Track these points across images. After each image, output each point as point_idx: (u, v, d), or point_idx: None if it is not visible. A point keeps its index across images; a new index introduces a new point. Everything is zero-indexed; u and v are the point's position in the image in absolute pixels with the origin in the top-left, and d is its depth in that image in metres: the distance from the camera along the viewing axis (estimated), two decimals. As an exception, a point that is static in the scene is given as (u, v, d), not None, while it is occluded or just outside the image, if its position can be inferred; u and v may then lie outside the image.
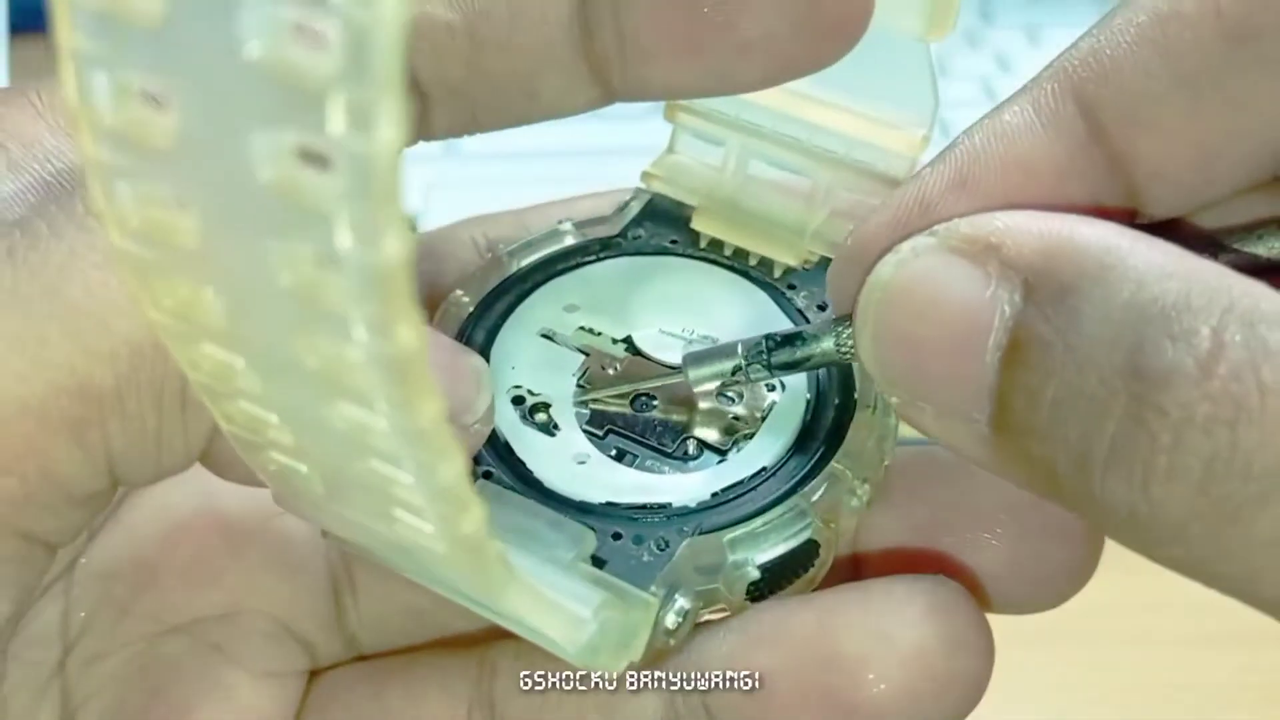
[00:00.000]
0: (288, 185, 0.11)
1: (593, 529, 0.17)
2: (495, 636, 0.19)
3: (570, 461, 0.18)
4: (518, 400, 0.18)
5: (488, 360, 0.19)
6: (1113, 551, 0.44)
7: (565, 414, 0.18)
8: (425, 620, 0.20)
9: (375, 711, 0.19)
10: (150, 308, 0.12)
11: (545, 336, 0.19)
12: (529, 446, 0.18)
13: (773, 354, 0.17)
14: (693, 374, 0.17)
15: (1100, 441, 0.13)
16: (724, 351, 0.17)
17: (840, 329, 0.16)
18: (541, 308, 0.19)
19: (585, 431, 0.18)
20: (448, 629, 0.20)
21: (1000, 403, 0.14)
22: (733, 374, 0.17)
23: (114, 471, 0.15)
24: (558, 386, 0.19)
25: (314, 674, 0.20)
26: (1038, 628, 0.36)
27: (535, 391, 0.18)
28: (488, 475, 0.17)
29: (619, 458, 0.18)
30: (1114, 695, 0.34)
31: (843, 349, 0.16)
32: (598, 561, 0.17)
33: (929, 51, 0.18)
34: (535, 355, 0.19)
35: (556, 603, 0.16)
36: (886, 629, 0.16)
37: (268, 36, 0.10)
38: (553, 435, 0.18)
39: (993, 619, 0.40)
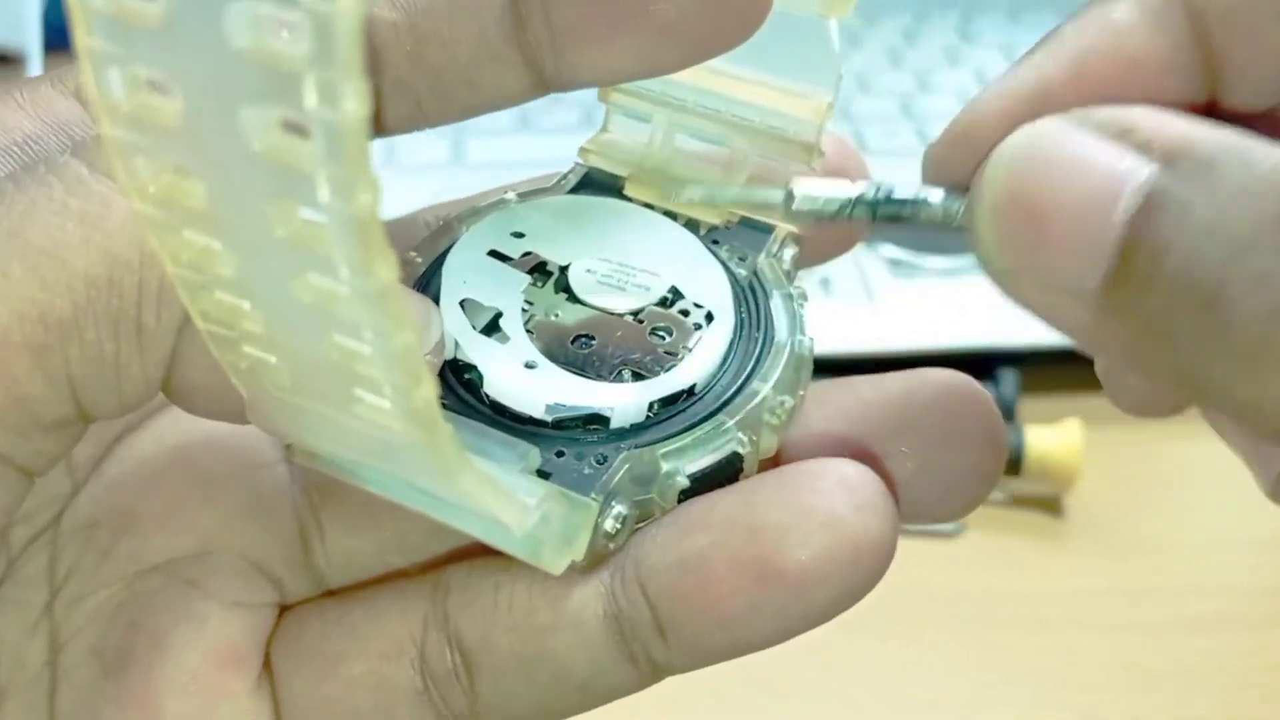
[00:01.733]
0: (276, 151, 0.12)
1: (537, 445, 0.18)
2: (447, 563, 0.20)
3: (520, 366, 0.19)
4: (470, 308, 0.20)
5: (440, 278, 0.20)
6: (1085, 540, 0.46)
7: (514, 325, 0.20)
8: (388, 557, 0.21)
9: (340, 632, 0.20)
10: (136, 197, 0.13)
11: (494, 255, 0.20)
12: (481, 352, 0.19)
13: (881, 204, 0.17)
14: (800, 196, 0.17)
15: (1240, 273, 0.13)
16: (838, 185, 0.17)
17: (949, 196, 0.17)
18: (490, 234, 0.21)
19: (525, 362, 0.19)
20: (413, 565, 0.21)
21: (1124, 258, 0.14)
22: (839, 209, 0.17)
23: (77, 398, 0.16)
24: (507, 301, 0.20)
25: (285, 609, 0.21)
26: (1014, 615, 0.38)
27: (485, 305, 0.20)
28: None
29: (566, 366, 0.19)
30: (1087, 680, 0.35)
31: (949, 214, 0.17)
32: (543, 474, 0.18)
33: (832, 27, 0.20)
34: (484, 272, 0.20)
35: (504, 488, 0.17)
36: (804, 502, 0.17)
37: (251, 30, 0.11)
38: (503, 343, 0.19)
39: (971, 605, 0.41)
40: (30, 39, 0.53)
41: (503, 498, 0.16)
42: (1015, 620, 0.36)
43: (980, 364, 0.40)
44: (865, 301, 0.43)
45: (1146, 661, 0.35)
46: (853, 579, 0.17)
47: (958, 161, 0.17)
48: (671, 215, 0.21)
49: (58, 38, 0.56)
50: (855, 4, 0.19)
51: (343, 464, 0.18)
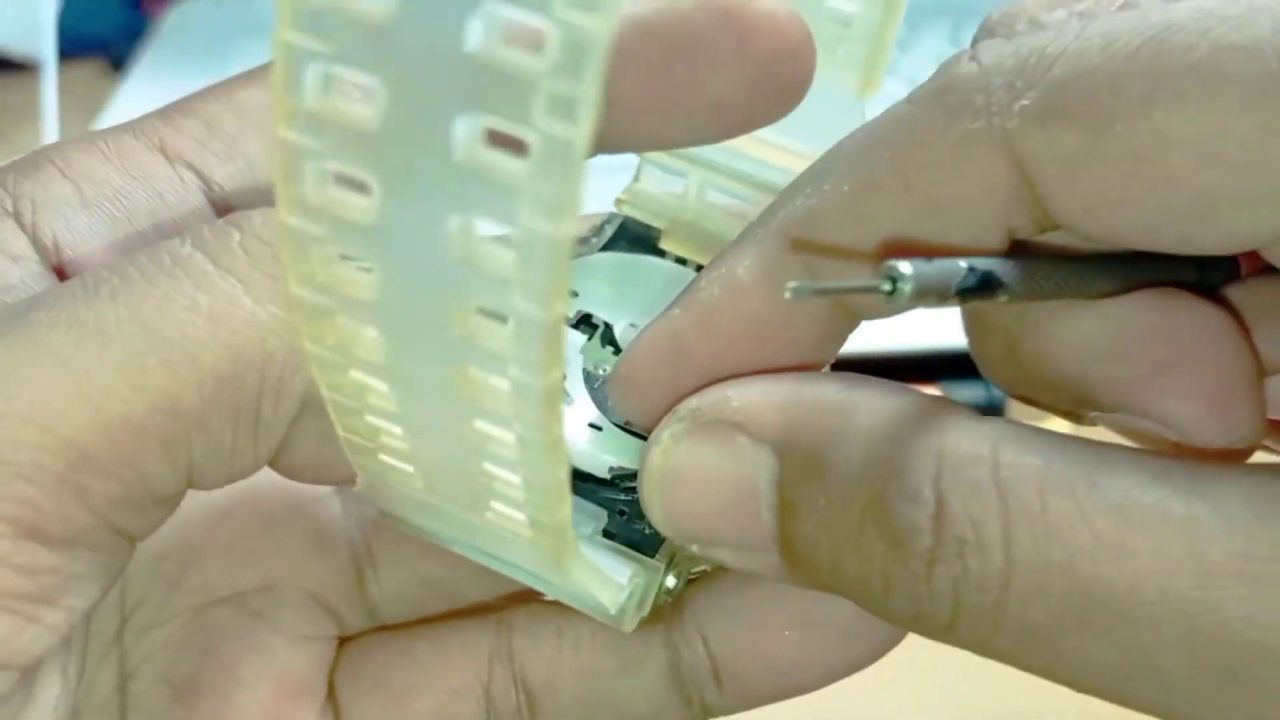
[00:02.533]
0: (470, 254, 0.12)
1: (604, 507, 0.19)
2: (507, 604, 0.22)
3: (585, 427, 0.20)
4: None
5: None
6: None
7: (576, 386, 0.21)
8: (440, 590, 0.22)
9: (407, 666, 0.21)
10: (310, 342, 0.14)
11: None
12: None
13: (974, 290, 0.16)
14: (912, 288, 0.15)
15: (874, 577, 0.16)
16: (944, 275, 0.15)
17: (1020, 272, 0.16)
18: None
19: (590, 427, 0.20)
20: (461, 598, 0.22)
21: (785, 546, 0.16)
22: (946, 296, 0.15)
23: (192, 477, 0.17)
24: (568, 362, 0.21)
25: (343, 641, 0.22)
26: None
27: None
28: None
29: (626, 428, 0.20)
30: None
31: (1018, 293, 0.16)
32: (608, 534, 0.19)
33: (862, 105, 0.21)
34: None
35: (604, 574, 0.18)
36: None
37: (488, 33, 0.11)
38: (569, 404, 0.20)
39: None
40: (45, 47, 0.53)
41: (604, 582, 0.18)
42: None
43: (969, 363, 0.41)
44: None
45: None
46: (891, 630, 0.19)
47: (635, 401, 0.18)
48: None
49: (72, 46, 0.57)
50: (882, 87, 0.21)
51: (437, 535, 0.19)
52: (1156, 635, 0.14)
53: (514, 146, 0.12)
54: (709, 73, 0.18)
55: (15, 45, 0.57)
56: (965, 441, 0.15)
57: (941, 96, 0.16)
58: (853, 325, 0.19)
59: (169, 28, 0.63)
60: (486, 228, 0.12)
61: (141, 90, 0.58)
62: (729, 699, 0.20)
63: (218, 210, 0.20)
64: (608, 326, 0.21)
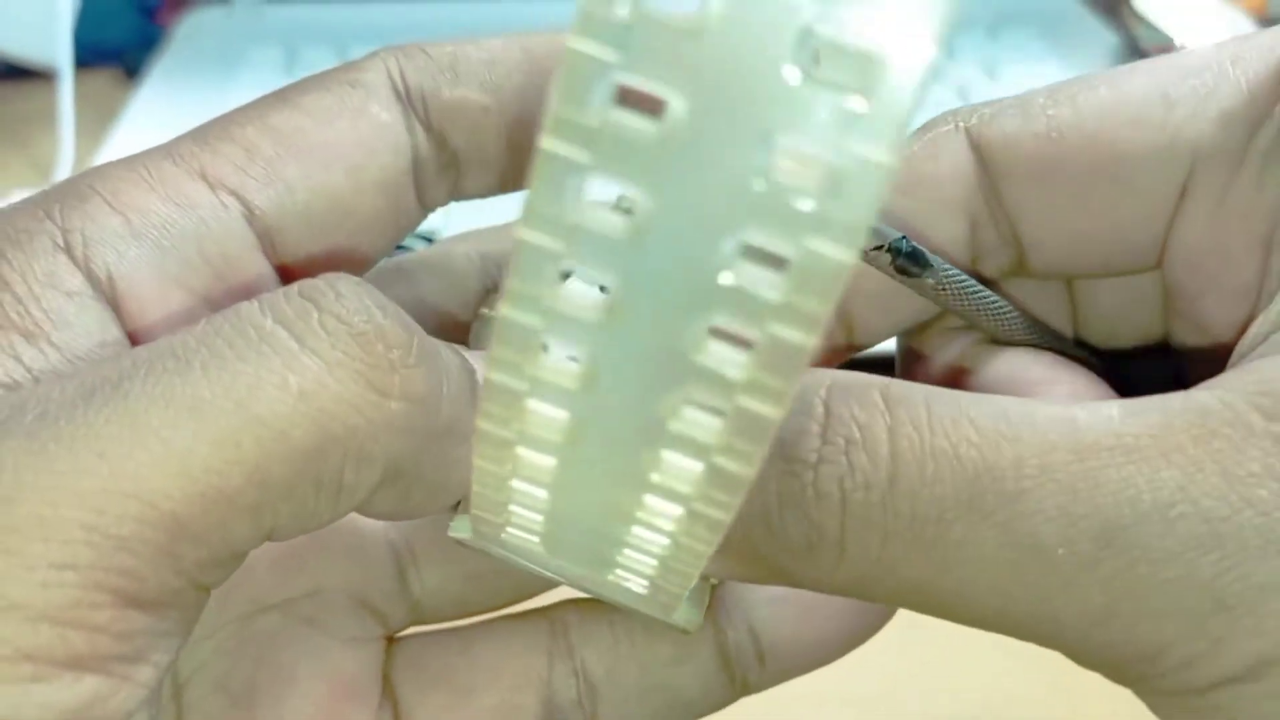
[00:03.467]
0: (704, 356, 0.12)
1: None
2: (556, 604, 0.22)
3: None
4: None
5: None
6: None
7: None
8: (480, 585, 0.23)
9: (468, 664, 0.22)
10: (486, 421, 0.14)
11: None
12: None
13: (902, 256, 0.18)
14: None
15: (770, 498, 0.16)
16: (880, 231, 0.18)
17: (951, 273, 0.18)
18: None
19: None
20: (501, 593, 0.23)
21: None
22: (874, 249, 0.18)
23: (272, 536, 0.17)
24: None
25: (391, 640, 0.23)
26: None
27: None
28: None
29: None
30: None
31: (942, 285, 0.18)
32: None
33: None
34: None
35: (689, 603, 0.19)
36: None
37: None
38: None
39: None
40: (62, 56, 0.54)
41: (689, 612, 0.19)
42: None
43: None
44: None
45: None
46: None
47: None
48: None
49: (88, 55, 0.58)
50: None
51: (525, 559, 0.19)
52: (1039, 508, 0.15)
53: (775, 265, 0.12)
54: None
55: (33, 54, 0.57)
56: (855, 376, 0.16)
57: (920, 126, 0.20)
58: (840, 334, 0.20)
59: (181, 37, 0.63)
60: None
61: (155, 98, 0.58)
62: (769, 676, 0.21)
63: (257, 235, 0.20)
64: None
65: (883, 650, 0.23)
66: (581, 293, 0.13)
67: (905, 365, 0.23)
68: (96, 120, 0.56)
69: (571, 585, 0.19)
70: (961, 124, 0.20)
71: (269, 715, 0.21)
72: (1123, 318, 0.22)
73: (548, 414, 0.14)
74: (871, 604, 0.21)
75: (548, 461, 0.15)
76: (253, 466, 0.16)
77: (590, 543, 0.16)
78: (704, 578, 0.20)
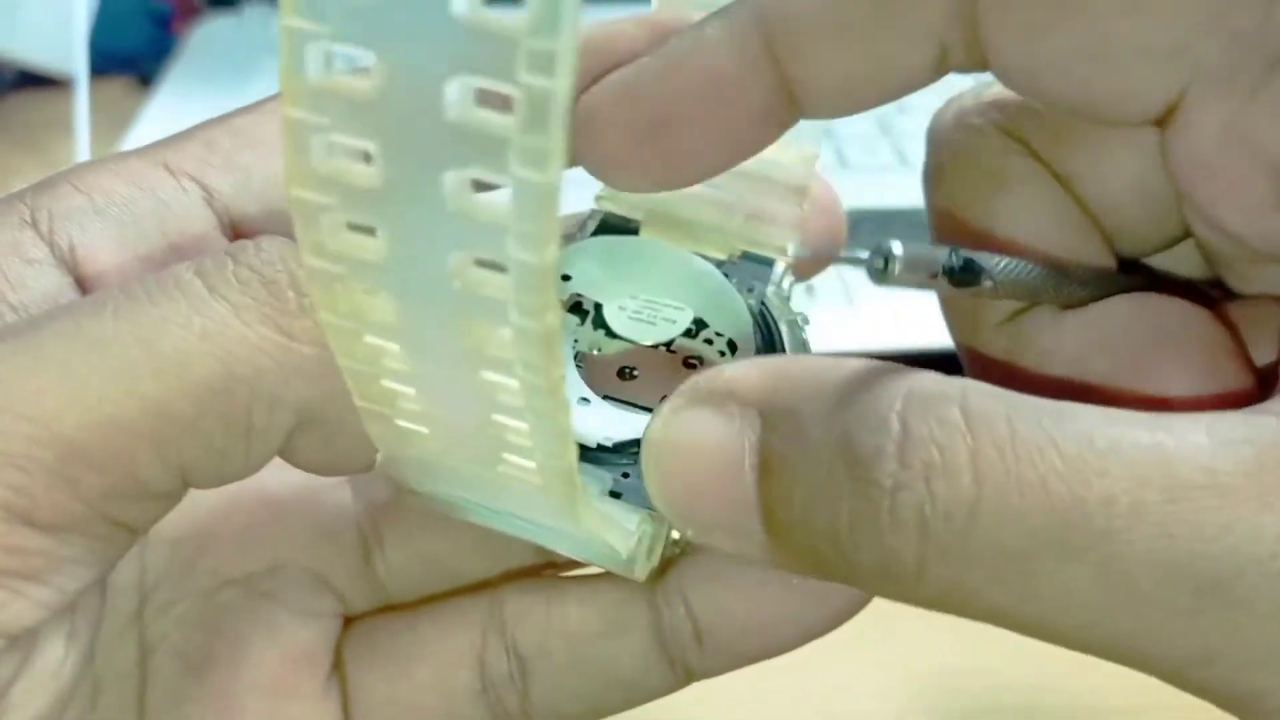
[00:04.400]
0: (469, 203, 0.13)
1: (608, 472, 0.20)
2: (499, 582, 0.23)
3: (576, 402, 0.21)
4: None
5: None
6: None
7: (568, 365, 0.21)
8: (443, 567, 0.23)
9: (410, 640, 0.22)
10: (325, 311, 0.15)
11: None
12: None
13: (958, 273, 0.17)
14: (900, 266, 0.16)
15: (841, 519, 0.15)
16: (930, 255, 0.17)
17: (1002, 265, 0.17)
18: None
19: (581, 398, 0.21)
20: (462, 575, 0.23)
21: (765, 512, 0.16)
22: (930, 276, 0.17)
23: (185, 476, 0.17)
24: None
25: (351, 620, 0.23)
26: None
27: None
28: None
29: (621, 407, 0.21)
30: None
31: (1000, 283, 0.18)
32: (615, 494, 0.20)
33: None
34: None
35: (613, 518, 0.19)
36: None
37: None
38: None
39: None
40: (78, 64, 0.55)
41: (614, 528, 0.19)
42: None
43: (957, 363, 0.42)
44: (845, 305, 0.44)
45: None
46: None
47: (587, 137, 0.19)
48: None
49: (103, 63, 0.59)
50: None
51: (454, 502, 0.19)
52: (1131, 550, 0.14)
53: (502, 104, 0.12)
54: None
55: (50, 62, 0.58)
56: (931, 382, 0.16)
57: None
58: (794, 115, 0.19)
59: (193, 46, 0.64)
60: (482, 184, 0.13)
61: (168, 104, 0.59)
62: (710, 660, 0.21)
63: (217, 215, 0.21)
64: (598, 308, 0.22)
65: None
66: (352, 163, 0.13)
67: (974, 358, 0.21)
68: (111, 126, 0.57)
69: (489, 520, 0.19)
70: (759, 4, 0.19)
71: (222, 683, 0.22)
72: (1145, 222, 0.20)
73: (370, 297, 0.14)
74: (834, 592, 0.20)
75: (394, 348, 0.15)
76: (151, 399, 0.16)
77: (469, 432, 0.16)
78: (668, 534, 0.20)
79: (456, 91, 0.12)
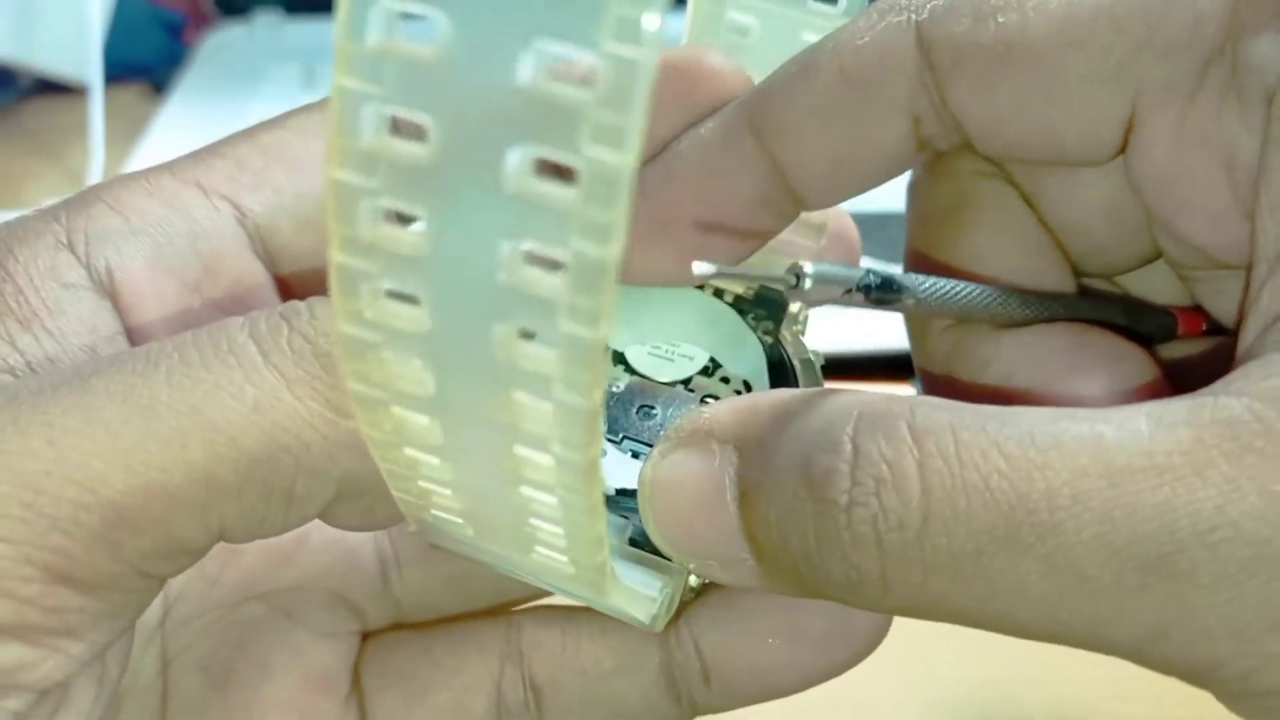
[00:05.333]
0: (520, 277, 0.12)
1: (626, 518, 0.20)
2: (517, 604, 0.23)
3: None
4: None
5: None
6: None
7: None
8: (458, 587, 0.23)
9: (427, 663, 0.23)
10: (354, 380, 0.14)
11: None
12: None
13: (875, 289, 0.17)
14: (811, 283, 0.17)
15: (808, 538, 0.16)
16: (843, 274, 0.17)
17: (926, 285, 0.18)
18: None
19: (606, 441, 0.22)
20: (478, 596, 0.24)
21: (750, 539, 0.17)
22: (845, 293, 0.17)
23: (223, 536, 0.18)
24: None
25: (366, 636, 0.23)
26: None
27: None
28: None
29: (634, 455, 0.22)
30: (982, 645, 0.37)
31: (922, 302, 0.18)
32: (634, 542, 0.20)
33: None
34: None
35: (634, 590, 0.19)
36: None
37: (537, 69, 0.11)
38: None
39: None
40: (93, 72, 0.56)
41: (638, 600, 0.19)
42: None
43: None
44: (840, 306, 0.45)
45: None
46: (864, 640, 0.21)
47: None
48: (701, 287, 0.23)
49: (117, 71, 0.60)
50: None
51: (480, 554, 0.19)
52: (1078, 539, 0.15)
53: (564, 176, 0.12)
54: (655, 122, 0.20)
55: (66, 70, 0.59)
56: (880, 403, 0.16)
57: (877, 5, 0.20)
58: (794, 205, 0.20)
59: (205, 54, 0.65)
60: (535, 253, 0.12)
61: (180, 111, 0.60)
62: (716, 698, 0.22)
63: (249, 234, 0.21)
64: (619, 354, 0.22)
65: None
66: (400, 231, 0.13)
67: (922, 370, 0.22)
68: (125, 132, 0.58)
69: (517, 576, 0.19)
70: (913, 17, 0.19)
71: (243, 699, 0.22)
72: (1115, 243, 0.21)
73: (404, 364, 0.14)
74: (837, 640, 0.21)
75: (423, 420, 0.15)
76: (198, 467, 0.16)
77: (502, 516, 0.16)
78: (685, 583, 0.20)
79: (516, 160, 0.12)
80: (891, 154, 0.20)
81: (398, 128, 0.12)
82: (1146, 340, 0.21)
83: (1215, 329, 0.21)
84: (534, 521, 0.15)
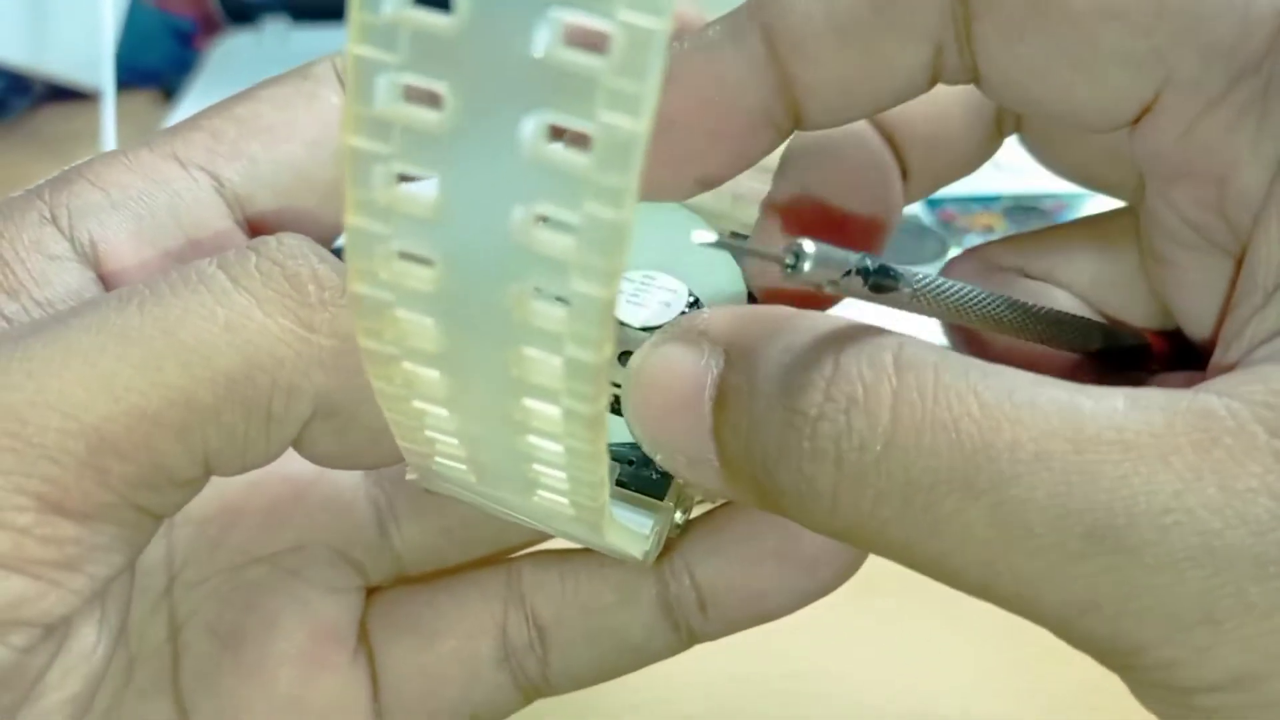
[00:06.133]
0: (533, 238, 0.12)
1: (616, 460, 0.21)
2: (514, 552, 0.24)
3: None
4: None
5: None
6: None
7: None
8: (455, 538, 0.24)
9: (432, 613, 0.23)
10: (365, 337, 0.15)
11: None
12: None
13: (872, 275, 0.17)
14: (811, 264, 0.16)
15: (771, 446, 0.16)
16: (841, 256, 0.17)
17: (922, 278, 0.17)
18: None
19: None
20: (476, 546, 0.24)
21: (717, 440, 0.17)
22: (841, 276, 0.16)
23: (208, 464, 0.18)
24: None
25: (370, 591, 0.24)
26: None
27: None
28: None
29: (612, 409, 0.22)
30: (1025, 634, 0.38)
31: (918, 293, 0.18)
32: (621, 484, 0.21)
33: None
34: None
35: (629, 529, 0.20)
36: None
37: (552, 38, 0.11)
38: None
39: (891, 576, 0.43)
40: (105, 78, 0.56)
41: (630, 538, 0.20)
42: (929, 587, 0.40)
43: None
44: (833, 293, 0.45)
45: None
46: (853, 558, 0.22)
47: None
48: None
49: (129, 77, 0.60)
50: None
51: (482, 499, 0.19)
52: (1030, 494, 0.15)
53: (578, 142, 0.12)
54: None
55: (79, 76, 0.59)
56: (874, 332, 0.16)
57: None
58: (793, 123, 0.19)
59: (215, 60, 0.66)
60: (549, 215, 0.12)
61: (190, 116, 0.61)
62: (713, 625, 0.22)
63: (228, 203, 0.21)
64: None
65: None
66: (415, 191, 0.13)
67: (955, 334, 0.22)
68: (136, 137, 0.56)
69: (518, 519, 0.19)
70: (757, 3, 0.18)
71: (254, 657, 0.23)
72: (1111, 288, 0.21)
73: (416, 322, 0.14)
74: (821, 565, 0.22)
75: (433, 374, 0.15)
76: (175, 388, 0.17)
77: (506, 462, 0.16)
78: (672, 521, 0.21)
79: (531, 127, 0.12)
80: (906, 81, 0.19)
81: (413, 95, 0.13)
82: (1122, 368, 0.21)
83: (1176, 354, 0.21)
84: (537, 467, 0.16)
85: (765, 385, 0.16)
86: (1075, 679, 0.29)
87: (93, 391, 0.17)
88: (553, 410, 0.14)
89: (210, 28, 0.69)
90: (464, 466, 0.17)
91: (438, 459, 0.17)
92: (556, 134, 0.12)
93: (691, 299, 0.23)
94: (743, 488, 0.17)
